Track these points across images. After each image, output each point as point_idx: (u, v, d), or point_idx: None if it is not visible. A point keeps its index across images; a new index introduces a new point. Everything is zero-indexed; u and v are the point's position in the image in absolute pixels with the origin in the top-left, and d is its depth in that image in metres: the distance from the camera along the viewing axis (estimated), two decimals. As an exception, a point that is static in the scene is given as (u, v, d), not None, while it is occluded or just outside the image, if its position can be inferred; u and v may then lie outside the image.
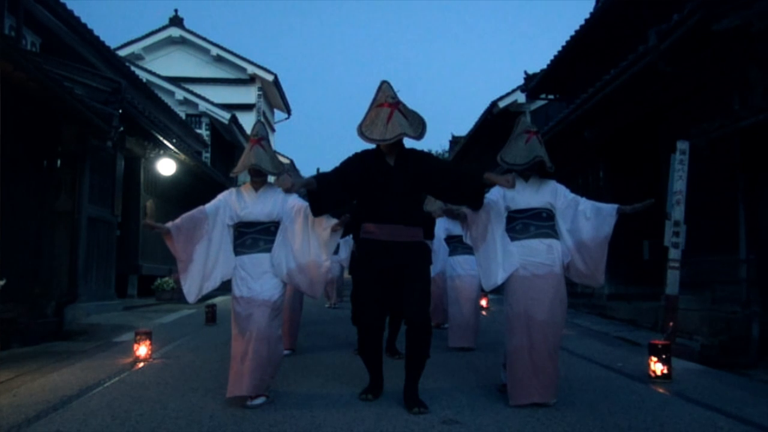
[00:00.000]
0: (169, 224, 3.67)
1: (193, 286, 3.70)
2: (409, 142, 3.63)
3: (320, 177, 3.58)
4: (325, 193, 3.46)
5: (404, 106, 3.54)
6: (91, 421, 3.22)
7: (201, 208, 3.76)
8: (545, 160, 3.72)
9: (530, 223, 3.72)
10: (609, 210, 3.71)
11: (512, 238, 3.73)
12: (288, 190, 3.38)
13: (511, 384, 3.61)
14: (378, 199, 3.55)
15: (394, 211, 3.53)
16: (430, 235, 5.63)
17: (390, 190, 3.53)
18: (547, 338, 3.56)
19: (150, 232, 11.87)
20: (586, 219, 3.74)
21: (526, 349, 3.55)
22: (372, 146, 3.62)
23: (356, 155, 3.67)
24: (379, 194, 3.55)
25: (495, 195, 3.78)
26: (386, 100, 3.50)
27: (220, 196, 3.85)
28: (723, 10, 5.43)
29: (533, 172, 3.84)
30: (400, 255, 3.50)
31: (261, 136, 3.79)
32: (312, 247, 3.68)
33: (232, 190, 3.88)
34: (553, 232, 3.75)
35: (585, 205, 3.78)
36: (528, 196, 3.78)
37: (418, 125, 3.52)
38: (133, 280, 10.68)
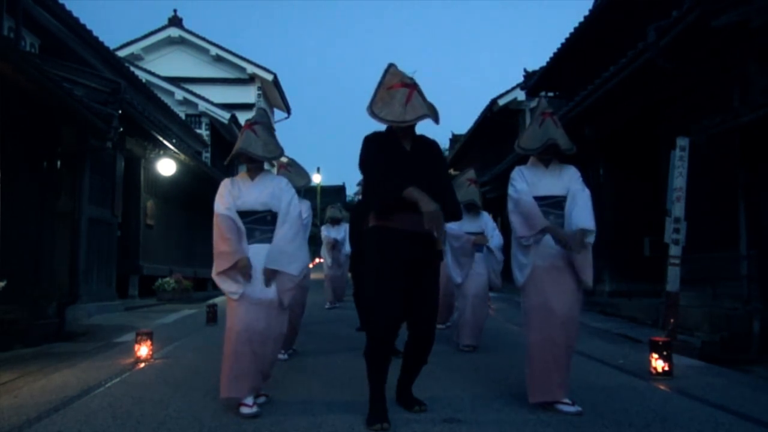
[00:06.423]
0: (238, 254, 3.45)
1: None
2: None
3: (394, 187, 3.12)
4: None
5: (420, 88, 3.25)
6: (92, 422, 3.23)
7: (227, 215, 3.50)
8: (558, 143, 3.47)
9: (550, 211, 3.50)
10: (574, 223, 3.42)
11: None
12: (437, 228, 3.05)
13: (531, 381, 3.45)
14: None
15: None
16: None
17: (407, 176, 3.15)
18: (568, 333, 3.41)
19: (150, 231, 12.01)
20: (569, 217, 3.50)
21: (547, 344, 3.39)
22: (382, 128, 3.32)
23: (370, 140, 3.31)
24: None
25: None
26: (401, 80, 3.20)
27: (222, 191, 3.63)
28: (722, 6, 5.43)
29: (551, 155, 3.58)
30: (419, 249, 3.18)
31: (254, 121, 3.66)
32: (283, 254, 3.50)
33: (227, 180, 3.71)
34: None
35: (572, 203, 3.50)
36: (549, 182, 3.55)
37: (434, 109, 3.24)
38: (134, 281, 10.69)
